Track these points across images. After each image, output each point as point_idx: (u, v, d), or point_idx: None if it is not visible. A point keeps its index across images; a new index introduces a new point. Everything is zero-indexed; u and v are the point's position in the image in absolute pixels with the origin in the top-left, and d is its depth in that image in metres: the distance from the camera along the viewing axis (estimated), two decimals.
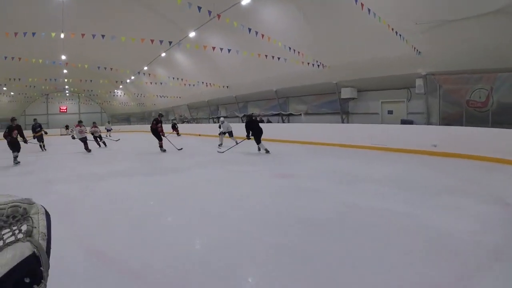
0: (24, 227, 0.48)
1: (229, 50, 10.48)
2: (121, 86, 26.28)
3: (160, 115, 10.98)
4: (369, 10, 7.19)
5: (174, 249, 2.61)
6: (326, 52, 10.97)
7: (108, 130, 22.39)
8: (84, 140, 11.04)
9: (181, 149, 10.49)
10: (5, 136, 8.01)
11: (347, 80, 11.65)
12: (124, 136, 20.94)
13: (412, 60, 9.04)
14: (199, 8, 7.93)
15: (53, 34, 9.66)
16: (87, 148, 10.97)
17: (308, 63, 11.02)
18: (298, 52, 10.30)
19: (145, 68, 18.76)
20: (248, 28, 8.97)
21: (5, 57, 11.11)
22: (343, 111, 12.55)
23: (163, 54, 16.14)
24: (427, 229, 2.87)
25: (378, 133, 9.55)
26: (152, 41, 10.14)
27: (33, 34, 8.88)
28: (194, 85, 17.19)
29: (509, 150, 6.48)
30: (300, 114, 14.52)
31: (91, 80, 18.37)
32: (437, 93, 9.22)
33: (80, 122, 11.72)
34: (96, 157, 9.79)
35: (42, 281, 0.45)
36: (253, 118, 9.34)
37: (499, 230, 2.84)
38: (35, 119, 13.25)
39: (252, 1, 9.73)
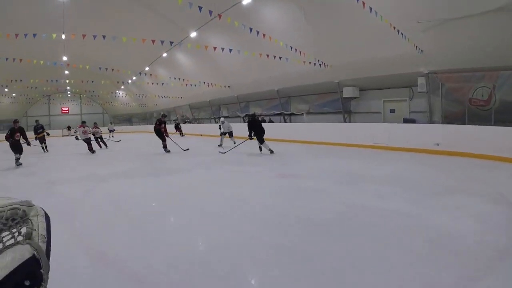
0: (23, 230, 0.47)
1: (230, 50, 10.46)
2: (122, 87, 26.30)
3: (164, 116, 10.82)
4: (370, 8, 7.16)
5: (174, 249, 2.62)
6: (327, 51, 10.94)
7: (111, 131, 22.44)
8: (87, 141, 10.95)
9: (187, 149, 10.29)
10: (6, 138, 7.93)
11: (349, 79, 11.61)
12: (126, 136, 21.01)
13: (414, 58, 9.00)
14: (200, 8, 7.92)
15: (54, 35, 9.68)
16: (91, 149, 10.89)
17: (310, 63, 10.99)
18: (300, 52, 10.28)
19: (147, 68, 18.78)
20: (249, 28, 8.96)
21: (6, 59, 11.14)
22: (345, 110, 12.52)
23: (164, 55, 16.17)
24: (428, 229, 2.86)
25: (380, 132, 9.53)
26: (153, 41, 10.14)
27: (34, 35, 8.87)
28: (195, 85, 17.19)
29: None
30: (302, 113, 14.49)
31: (92, 81, 18.43)
32: (439, 92, 9.17)
33: (83, 122, 11.62)
34: (98, 158, 9.81)
35: (42, 283, 0.45)
36: (256, 118, 9.31)
37: (502, 230, 2.81)
38: (37, 120, 13.31)
39: (253, 1, 9.71)
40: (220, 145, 10.86)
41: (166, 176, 6.06)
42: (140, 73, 18.65)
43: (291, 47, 9.93)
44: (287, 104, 15.42)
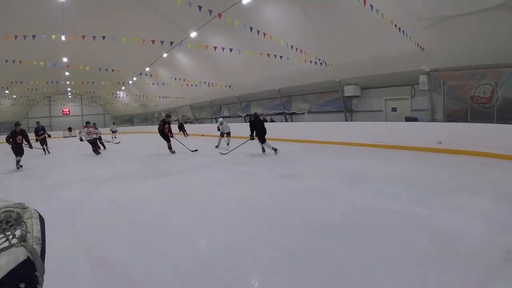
0: (18, 232, 0.47)
1: (230, 50, 10.45)
2: (123, 88, 26.37)
3: (168, 116, 10.46)
4: (371, 6, 7.13)
5: (175, 250, 2.59)
6: (328, 50, 10.92)
7: (113, 132, 22.50)
8: (92, 142, 10.77)
9: (196, 150, 9.99)
10: (7, 140, 7.90)
11: (350, 77, 11.60)
12: (127, 137, 21.05)
13: (415, 56, 8.98)
14: (200, 7, 7.90)
15: (53, 36, 9.68)
16: (95, 150, 10.73)
17: (311, 62, 10.98)
18: (301, 51, 10.26)
19: (147, 69, 18.82)
20: (250, 27, 8.95)
21: (6, 60, 11.11)
22: (346, 109, 12.50)
23: (165, 55, 16.20)
24: (429, 229, 2.82)
25: (382, 131, 9.51)
26: (153, 41, 10.13)
27: (33, 36, 8.86)
28: (196, 85, 17.21)
29: None
30: (303, 112, 14.50)
31: (93, 82, 18.48)
32: (441, 90, 9.16)
33: (87, 123, 11.41)
34: (98, 159, 9.81)
35: (38, 286, 0.45)
36: (259, 117, 9.26)
37: (508, 229, 2.77)
38: (37, 122, 13.30)
39: (253, 0, 9.71)
40: (217, 146, 10.81)
41: (168, 177, 6.04)
42: (141, 74, 18.69)
43: (292, 46, 9.91)
44: (288, 103, 15.42)
